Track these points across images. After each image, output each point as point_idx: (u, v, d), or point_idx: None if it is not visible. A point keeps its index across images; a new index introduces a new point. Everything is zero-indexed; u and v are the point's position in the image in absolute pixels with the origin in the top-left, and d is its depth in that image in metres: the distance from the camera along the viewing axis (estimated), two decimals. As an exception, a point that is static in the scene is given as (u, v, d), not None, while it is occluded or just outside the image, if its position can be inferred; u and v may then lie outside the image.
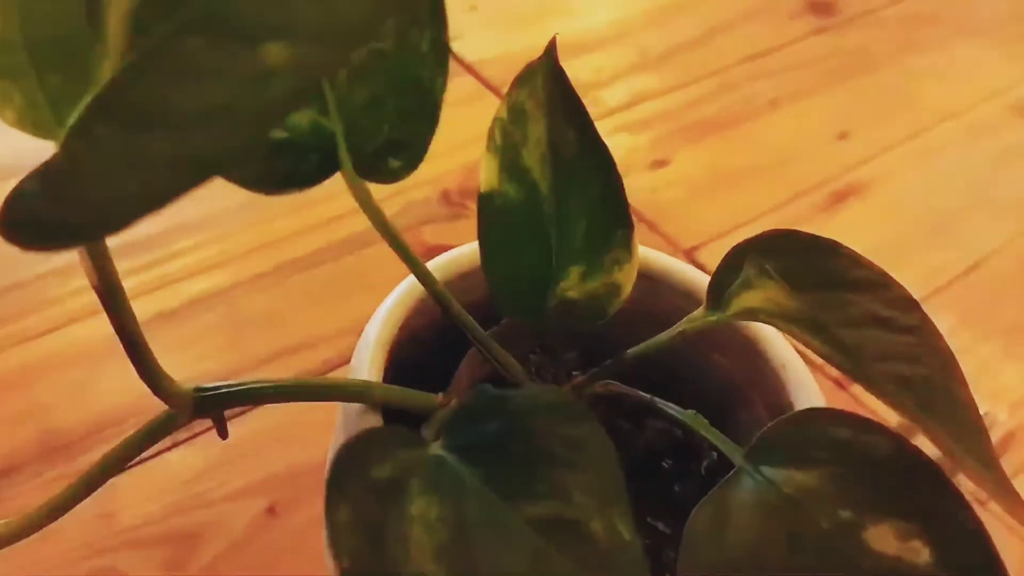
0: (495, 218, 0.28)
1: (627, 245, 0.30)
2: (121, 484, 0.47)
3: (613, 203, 0.29)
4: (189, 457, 0.48)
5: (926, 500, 0.25)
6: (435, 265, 0.34)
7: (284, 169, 0.26)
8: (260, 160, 0.26)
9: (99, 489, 0.47)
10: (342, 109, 0.27)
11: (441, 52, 0.25)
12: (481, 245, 0.28)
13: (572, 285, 0.30)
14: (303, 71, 0.16)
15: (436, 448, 0.23)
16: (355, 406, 0.31)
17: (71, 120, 0.23)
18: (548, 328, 0.31)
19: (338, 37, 0.16)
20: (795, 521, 0.25)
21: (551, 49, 0.29)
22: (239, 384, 0.30)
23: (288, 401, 0.30)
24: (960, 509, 0.24)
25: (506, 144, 0.28)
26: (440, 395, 0.33)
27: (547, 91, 0.28)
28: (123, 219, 0.19)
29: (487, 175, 0.28)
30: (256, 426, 0.50)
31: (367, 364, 0.32)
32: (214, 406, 0.29)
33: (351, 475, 0.19)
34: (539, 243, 0.29)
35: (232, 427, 0.50)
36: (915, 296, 0.63)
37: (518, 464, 0.21)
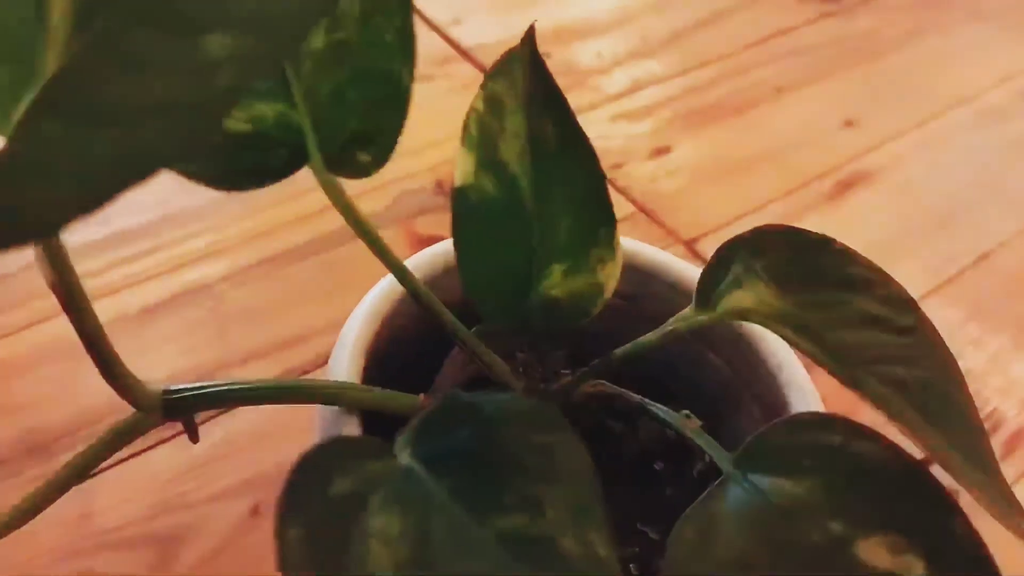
0: (471, 214, 0.27)
1: (611, 243, 0.28)
2: (101, 484, 0.46)
3: (597, 199, 0.28)
4: (171, 456, 0.47)
5: (920, 511, 0.23)
6: (417, 262, 0.33)
7: (250, 164, 0.25)
8: (221, 155, 0.25)
9: (80, 489, 0.46)
10: (309, 101, 0.25)
11: (407, 41, 0.24)
12: (456, 243, 0.27)
13: (555, 284, 0.29)
14: (246, 63, 0.15)
15: (405, 457, 0.22)
16: (331, 409, 0.30)
17: (18, 115, 0.22)
18: (531, 328, 0.30)
19: (279, 27, 0.15)
20: (784, 534, 0.24)
21: (530, 37, 0.27)
22: (209, 386, 0.28)
23: (260, 404, 0.29)
24: (956, 521, 0.23)
25: (482, 137, 0.27)
26: (422, 396, 0.32)
27: (526, 81, 0.27)
28: (66, 216, 0.18)
29: (462, 169, 0.27)
30: (240, 425, 0.49)
31: (345, 365, 0.31)
32: (183, 409, 0.28)
33: (307, 491, 0.18)
34: (520, 240, 0.28)
35: (215, 426, 0.49)
36: (923, 288, 0.62)
37: (488, 476, 0.20)
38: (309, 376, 0.52)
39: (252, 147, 0.25)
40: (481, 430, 0.21)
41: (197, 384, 0.28)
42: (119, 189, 0.17)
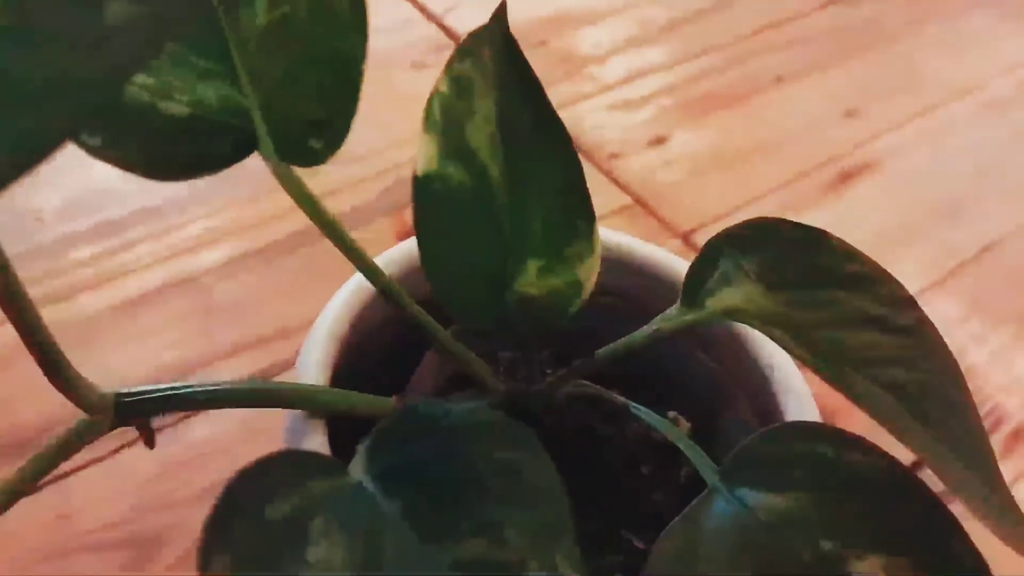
0: (436, 206, 0.25)
1: (589, 238, 0.27)
2: (78, 484, 0.45)
3: (574, 189, 0.26)
4: (152, 455, 0.46)
5: (919, 529, 0.22)
6: (389, 258, 0.31)
7: (190, 151, 0.23)
8: (158, 141, 0.23)
9: (58, 489, 0.45)
10: (256, 82, 0.24)
11: (360, 16, 0.22)
12: (419, 238, 0.25)
13: (531, 282, 0.27)
14: (145, 29, 0.13)
15: (359, 473, 0.20)
16: (298, 413, 0.29)
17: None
18: (506, 329, 0.28)
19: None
20: (771, 552, 0.22)
21: (501, 14, 0.26)
22: (166, 389, 0.27)
23: (219, 408, 0.27)
24: (957, 541, 0.21)
25: (448, 121, 0.25)
26: (395, 399, 0.30)
27: (496, 62, 0.25)
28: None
29: (425, 156, 0.25)
30: (224, 423, 0.47)
31: (313, 365, 0.30)
32: (137, 413, 0.27)
33: (238, 516, 0.17)
34: (491, 234, 0.26)
35: (198, 423, 0.48)
36: (924, 282, 0.60)
37: (445, 497, 0.19)
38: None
39: (193, 133, 0.23)
40: (439, 445, 0.19)
41: (151, 387, 0.26)
42: (23, 169, 0.16)
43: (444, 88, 0.25)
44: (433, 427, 0.20)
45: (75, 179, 0.59)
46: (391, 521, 0.18)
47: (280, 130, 0.24)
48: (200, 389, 0.27)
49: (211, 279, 0.54)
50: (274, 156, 0.24)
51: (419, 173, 0.25)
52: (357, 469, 0.20)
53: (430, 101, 0.25)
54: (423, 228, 0.25)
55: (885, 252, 0.62)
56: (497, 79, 0.25)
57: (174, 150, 0.23)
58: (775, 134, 0.70)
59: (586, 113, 0.70)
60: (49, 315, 0.51)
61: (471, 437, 0.19)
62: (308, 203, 0.25)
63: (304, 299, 0.53)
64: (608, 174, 0.65)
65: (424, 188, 0.25)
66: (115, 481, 0.45)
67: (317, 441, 0.27)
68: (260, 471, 0.18)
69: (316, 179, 0.62)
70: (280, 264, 0.55)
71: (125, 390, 0.27)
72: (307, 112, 0.24)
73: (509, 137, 0.26)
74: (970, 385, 0.28)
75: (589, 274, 0.27)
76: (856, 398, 0.22)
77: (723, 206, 0.64)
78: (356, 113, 0.24)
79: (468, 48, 0.25)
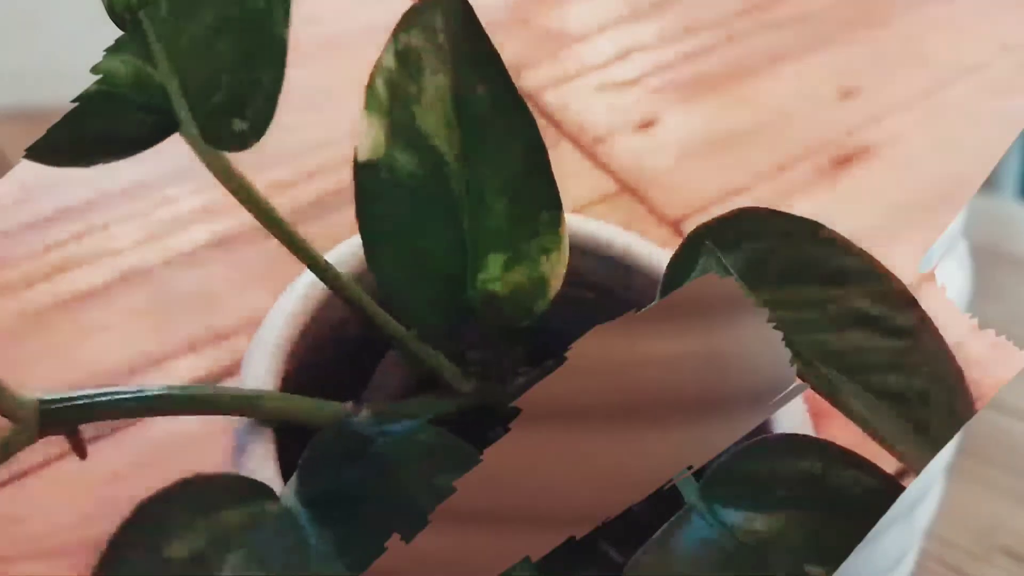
0: (383, 196, 0.23)
1: (555, 230, 0.24)
2: (32, 486, 0.43)
3: (538, 177, 0.24)
4: (110, 456, 0.44)
5: (918, 556, 0.20)
6: (342, 254, 0.29)
7: (96, 132, 0.21)
8: (56, 121, 0.20)
9: (10, 492, 0.43)
10: (171, 53, 0.21)
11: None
12: (364, 232, 0.23)
13: (494, 277, 0.25)
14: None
15: (291, 498, 0.18)
16: (244, 422, 0.26)
17: None
18: (463, 330, 0.26)
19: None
20: (753, 579, 0.20)
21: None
22: (95, 394, 0.25)
23: (155, 415, 0.25)
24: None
25: (395, 101, 0.23)
26: (350, 404, 0.28)
27: (449, 32, 0.23)
28: None
29: (369, 140, 0.22)
30: (184, 421, 0.45)
31: (261, 369, 0.27)
32: (63, 421, 0.24)
33: (132, 555, 0.14)
34: (448, 228, 0.24)
35: (158, 422, 0.46)
36: (924, 271, 0.58)
37: (378, 528, 0.16)
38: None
39: (99, 111, 0.21)
40: (372, 470, 0.17)
41: (77, 393, 0.24)
42: None
43: (389, 63, 0.23)
44: (362, 450, 0.18)
45: (31, 164, 0.56)
46: (319, 556, 0.16)
47: (199, 108, 0.22)
48: (131, 396, 0.24)
49: (168, 271, 0.52)
50: (199, 138, 0.22)
51: (362, 159, 0.23)
52: (289, 493, 0.18)
53: (372, 78, 0.23)
54: (368, 223, 0.23)
55: (882, 240, 0.60)
56: (451, 52, 0.23)
57: (78, 131, 0.21)
58: (769, 116, 0.68)
59: (570, 95, 0.67)
60: None
61: (405, 460, 0.17)
62: (246, 193, 0.23)
63: (271, 291, 0.51)
64: (594, 159, 0.63)
65: (368, 177, 0.22)
66: (73, 483, 0.43)
67: (262, 455, 0.25)
68: (162, 501, 0.16)
69: (284, 164, 0.60)
70: (243, 255, 0.53)
71: (49, 396, 0.24)
72: (226, 87, 0.21)
73: (466, 119, 0.23)
74: (968, 379, 0.26)
75: (556, 269, 0.25)
76: (852, 413, 0.20)
77: (715, 192, 0.61)
78: (281, 89, 0.22)
79: (416, 16, 0.23)
